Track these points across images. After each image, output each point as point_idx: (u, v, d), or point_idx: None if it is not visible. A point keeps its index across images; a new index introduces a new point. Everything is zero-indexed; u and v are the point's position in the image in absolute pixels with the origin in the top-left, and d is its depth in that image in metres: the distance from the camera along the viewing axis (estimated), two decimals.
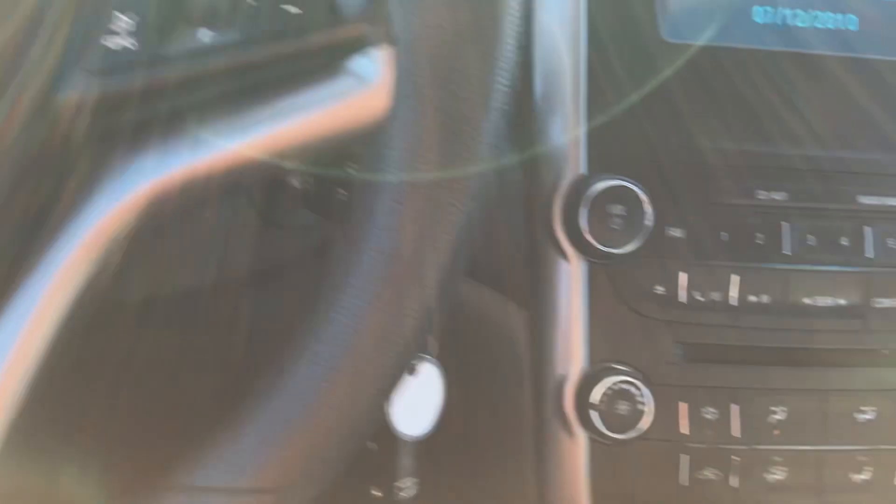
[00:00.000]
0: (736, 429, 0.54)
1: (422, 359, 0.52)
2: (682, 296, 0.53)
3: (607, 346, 0.53)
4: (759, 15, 0.56)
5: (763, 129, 0.54)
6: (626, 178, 0.52)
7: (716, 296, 0.53)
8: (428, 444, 0.53)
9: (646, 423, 0.52)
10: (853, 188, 0.55)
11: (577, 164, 0.54)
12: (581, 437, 0.54)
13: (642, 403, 0.52)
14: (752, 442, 0.54)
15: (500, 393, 0.57)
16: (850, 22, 0.57)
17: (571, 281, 0.54)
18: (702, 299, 0.53)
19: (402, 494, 0.56)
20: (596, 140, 0.53)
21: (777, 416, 0.54)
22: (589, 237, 0.52)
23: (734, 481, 0.54)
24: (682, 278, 0.53)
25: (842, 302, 0.54)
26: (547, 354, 0.55)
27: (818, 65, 0.55)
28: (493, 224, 0.57)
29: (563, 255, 0.54)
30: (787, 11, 0.56)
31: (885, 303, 0.54)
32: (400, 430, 0.52)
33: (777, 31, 0.56)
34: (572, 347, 0.54)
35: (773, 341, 0.54)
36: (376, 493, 0.57)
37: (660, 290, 0.53)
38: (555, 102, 0.54)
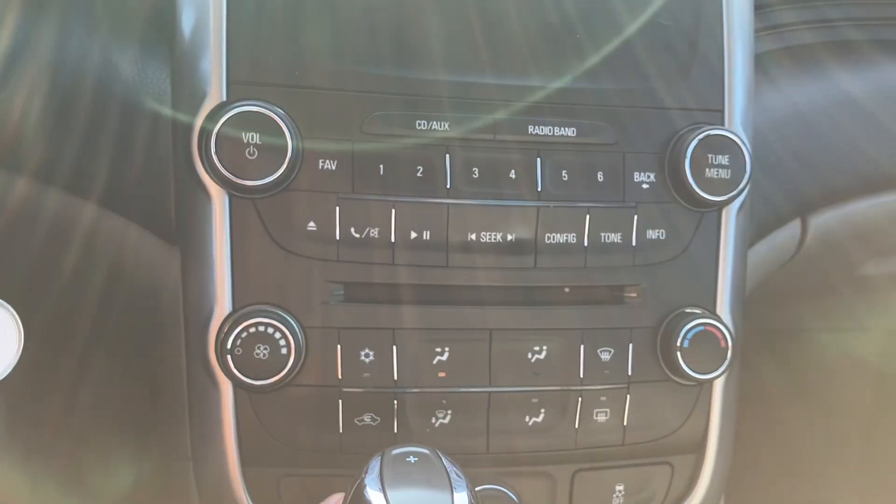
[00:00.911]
0: (396, 372, 0.51)
1: None
2: (337, 232, 0.50)
3: (256, 287, 0.49)
4: None
5: (424, 55, 0.50)
6: (263, 104, 0.48)
7: (373, 232, 0.50)
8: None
9: (291, 368, 0.48)
10: (523, 118, 0.52)
11: (218, 90, 0.49)
12: (227, 385, 0.50)
13: (285, 348, 0.48)
14: (413, 385, 0.51)
15: (154, 339, 0.53)
16: None
17: (215, 217, 0.49)
18: (358, 236, 0.50)
19: None
20: (236, 63, 0.49)
21: (441, 358, 0.51)
22: (221, 168, 0.47)
23: (395, 426, 0.51)
24: (336, 213, 0.49)
25: (510, 238, 0.51)
26: (193, 297, 0.51)
27: None
28: (140, 156, 0.52)
29: (205, 188, 0.49)
30: None
31: (557, 238, 0.52)
32: None
33: None
34: (218, 289, 0.49)
35: (435, 279, 0.51)
36: None
37: (312, 226, 0.50)
38: (198, 24, 0.49)
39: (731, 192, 0.53)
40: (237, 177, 0.47)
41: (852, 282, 0.80)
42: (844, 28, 0.72)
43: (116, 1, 0.53)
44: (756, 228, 0.61)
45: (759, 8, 0.68)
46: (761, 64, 0.67)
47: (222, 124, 0.47)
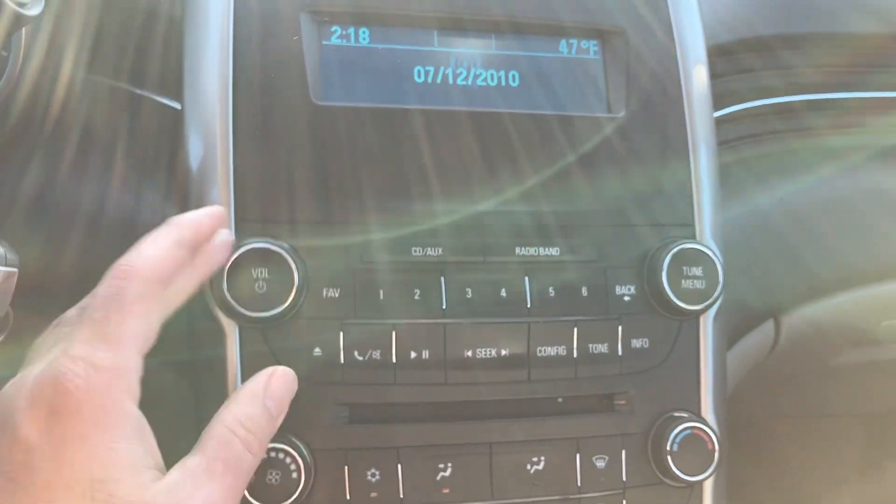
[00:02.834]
0: (402, 490, 0.53)
1: None
2: (341, 356, 0.52)
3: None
4: (419, 75, 0.57)
5: (417, 187, 0.55)
6: (271, 240, 0.51)
7: (375, 354, 0.53)
8: None
9: (302, 491, 0.50)
10: (511, 240, 0.56)
11: (228, 228, 0.52)
12: None
13: (296, 472, 0.50)
14: (418, 502, 0.53)
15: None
16: (512, 79, 0.59)
17: (226, 346, 0.52)
18: (361, 358, 0.53)
19: None
20: (244, 203, 0.53)
21: (445, 474, 0.54)
22: (233, 303, 0.50)
23: None
24: (340, 338, 0.53)
25: (504, 353, 0.55)
26: (205, 424, 0.52)
27: (478, 120, 0.56)
28: None
29: (216, 320, 0.52)
30: (448, 70, 0.58)
31: (548, 351, 0.55)
32: None
33: (437, 89, 0.57)
34: None
35: (436, 397, 0.54)
36: None
37: (318, 351, 0.52)
38: (205, 163, 0.53)
39: (707, 300, 0.57)
40: (248, 310, 0.50)
41: (827, 371, 0.84)
42: (796, 137, 0.78)
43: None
44: (732, 331, 0.65)
45: (720, 123, 0.74)
46: (727, 173, 0.72)
47: (233, 262, 0.50)
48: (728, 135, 0.76)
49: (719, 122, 0.73)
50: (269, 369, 0.47)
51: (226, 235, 0.50)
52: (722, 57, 0.72)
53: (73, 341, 0.39)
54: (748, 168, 0.76)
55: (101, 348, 0.38)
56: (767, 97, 0.77)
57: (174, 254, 0.43)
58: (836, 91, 0.79)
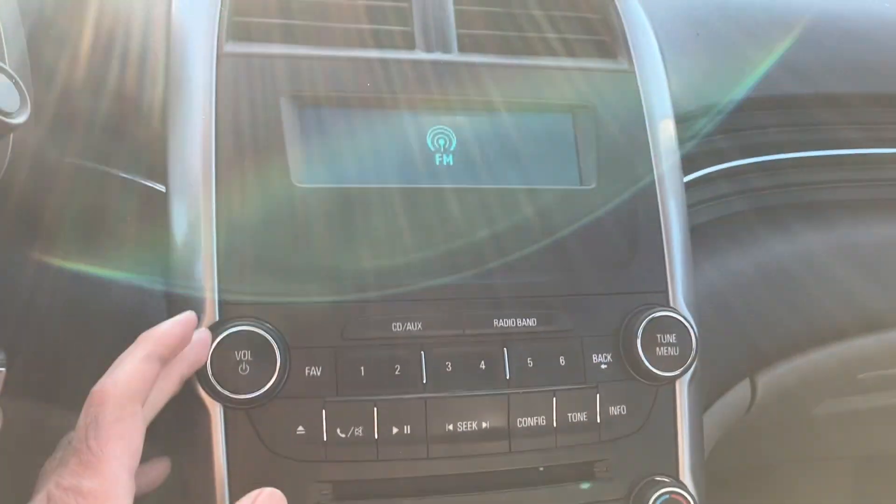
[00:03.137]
0: None
1: None
2: (324, 434, 0.54)
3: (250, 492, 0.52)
4: (398, 154, 0.59)
5: (396, 264, 0.56)
6: (253, 322, 0.53)
7: (358, 431, 0.54)
8: None
9: None
10: (488, 313, 0.57)
11: (212, 312, 0.54)
12: None
13: None
14: None
15: None
16: (489, 155, 0.61)
17: (211, 427, 0.53)
18: (343, 436, 0.54)
19: None
20: (227, 284, 0.54)
21: None
22: (217, 386, 0.52)
23: None
24: (323, 416, 0.54)
25: (485, 425, 0.56)
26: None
27: (455, 196, 0.58)
28: None
29: (201, 402, 0.53)
30: (426, 148, 0.60)
31: (528, 422, 0.56)
32: None
33: (415, 167, 0.59)
34: (216, 497, 0.52)
35: (419, 471, 0.55)
36: None
37: (301, 430, 0.53)
38: (189, 245, 0.55)
39: (682, 367, 0.59)
40: (231, 392, 0.51)
41: (810, 420, 0.86)
42: (768, 195, 0.80)
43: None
44: (709, 392, 0.66)
45: (699, 183, 0.76)
46: (701, 235, 0.74)
47: (217, 345, 0.51)
48: (706, 194, 0.78)
49: (698, 181, 0.76)
50: (254, 493, 0.47)
51: (202, 335, 0.51)
52: (703, 118, 0.74)
53: (64, 471, 0.42)
54: (725, 226, 0.77)
55: (87, 476, 0.41)
56: (749, 156, 0.79)
57: (145, 370, 0.46)
58: (812, 149, 0.81)
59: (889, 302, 0.78)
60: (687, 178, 0.73)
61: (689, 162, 0.73)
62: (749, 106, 0.74)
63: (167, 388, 0.49)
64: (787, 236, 0.75)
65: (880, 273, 0.77)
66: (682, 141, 0.70)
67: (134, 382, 0.44)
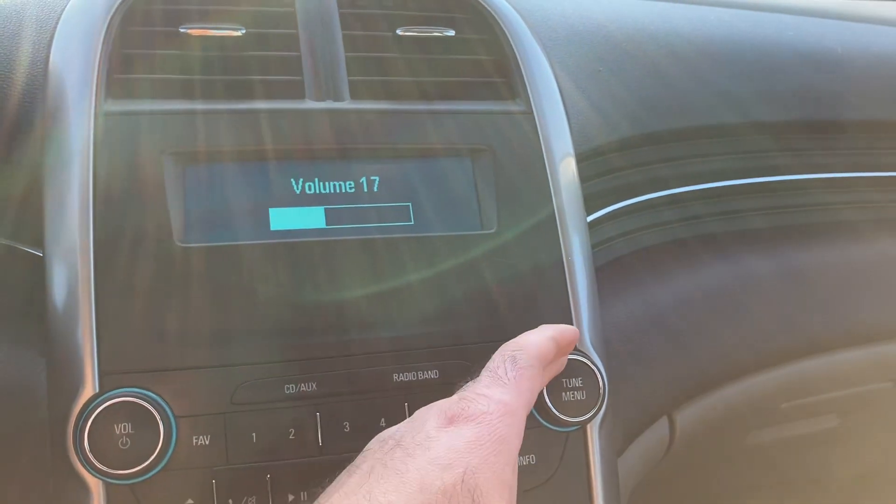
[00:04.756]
0: None
1: None
2: None
3: None
4: (280, 213, 0.58)
5: (285, 323, 0.54)
6: (134, 392, 0.50)
7: (251, 501, 0.51)
8: None
9: None
10: (388, 367, 0.55)
11: (91, 383, 0.51)
12: None
13: None
14: None
15: None
16: (382, 203, 0.60)
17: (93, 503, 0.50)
18: None
19: None
20: (108, 352, 0.51)
21: None
22: (95, 461, 0.49)
23: None
24: (213, 487, 0.51)
25: None
26: None
27: (347, 248, 0.57)
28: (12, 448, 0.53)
29: (81, 478, 0.50)
30: (314, 199, 0.58)
31: None
32: None
33: (302, 221, 0.58)
34: None
35: None
36: None
37: (190, 502, 0.51)
38: (68, 312, 0.52)
39: (590, 412, 0.57)
40: (111, 468, 0.49)
41: (740, 451, 0.85)
42: (680, 227, 0.80)
43: None
44: (625, 433, 0.65)
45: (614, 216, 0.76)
46: (623, 265, 0.74)
47: (93, 420, 0.49)
48: (626, 226, 0.78)
49: (613, 214, 0.75)
50: None
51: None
52: (614, 153, 0.74)
53: (475, 385, 0.47)
54: (643, 259, 0.77)
55: (500, 390, 0.46)
56: (660, 189, 0.79)
57: (549, 346, 0.52)
58: (724, 179, 0.82)
59: (822, 325, 0.78)
60: (615, 207, 0.73)
61: (629, 189, 0.73)
62: (687, 135, 0.74)
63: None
64: (699, 268, 0.75)
65: (805, 300, 0.77)
66: (590, 178, 0.70)
67: (543, 347, 0.50)
